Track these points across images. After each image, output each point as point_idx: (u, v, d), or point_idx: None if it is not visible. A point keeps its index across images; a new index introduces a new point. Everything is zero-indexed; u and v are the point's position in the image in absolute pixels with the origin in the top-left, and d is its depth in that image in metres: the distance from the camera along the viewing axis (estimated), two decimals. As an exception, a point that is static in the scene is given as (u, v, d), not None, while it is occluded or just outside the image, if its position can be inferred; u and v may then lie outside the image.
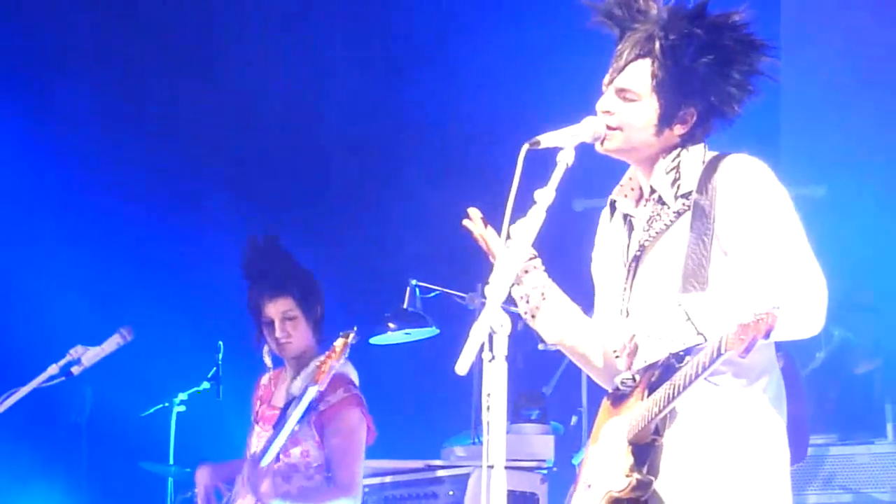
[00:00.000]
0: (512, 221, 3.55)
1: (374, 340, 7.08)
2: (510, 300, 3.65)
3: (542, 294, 3.78)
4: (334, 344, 5.40)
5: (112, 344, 5.60)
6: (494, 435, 3.28)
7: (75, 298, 8.19)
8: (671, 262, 3.62)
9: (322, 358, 5.39)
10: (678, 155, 3.69)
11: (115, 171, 8.70)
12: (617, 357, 3.70)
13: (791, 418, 3.67)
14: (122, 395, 7.92)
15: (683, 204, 3.64)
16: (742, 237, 3.55)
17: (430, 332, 7.05)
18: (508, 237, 3.57)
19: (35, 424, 7.71)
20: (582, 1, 3.78)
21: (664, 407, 3.46)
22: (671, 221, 3.65)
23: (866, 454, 6.81)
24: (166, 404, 7.64)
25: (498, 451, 3.27)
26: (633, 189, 3.80)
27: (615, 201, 3.82)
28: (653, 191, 3.71)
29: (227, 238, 7.07)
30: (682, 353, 3.49)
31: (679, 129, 3.68)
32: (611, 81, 3.70)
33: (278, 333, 5.61)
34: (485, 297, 3.46)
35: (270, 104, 8.79)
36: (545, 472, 6.48)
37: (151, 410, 7.70)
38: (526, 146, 3.59)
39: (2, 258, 8.41)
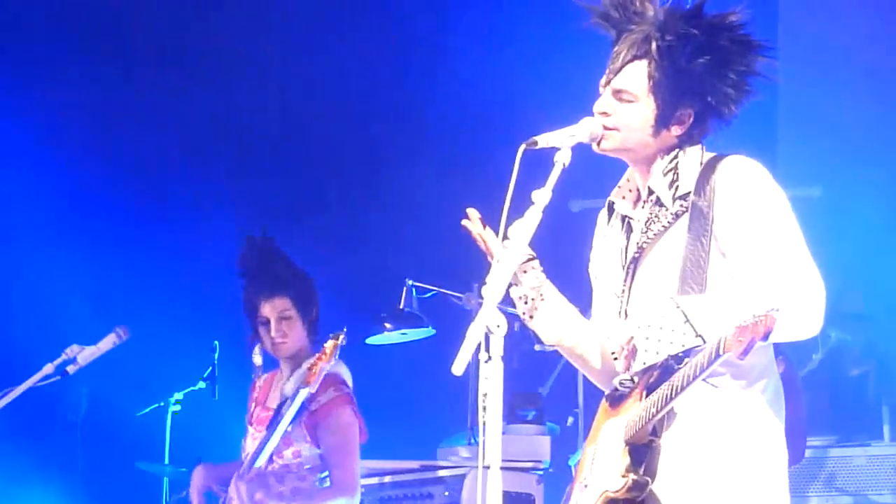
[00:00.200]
0: (509, 222, 3.54)
1: (370, 340, 7.08)
2: (507, 300, 3.65)
3: (541, 295, 3.77)
4: (324, 345, 5.42)
5: (108, 343, 5.60)
6: (490, 435, 3.28)
7: (71, 297, 8.19)
8: (669, 263, 3.62)
9: (312, 360, 5.40)
10: (675, 156, 3.69)
11: (110, 171, 8.68)
12: (615, 359, 3.70)
13: (788, 420, 3.67)
14: (117, 395, 7.92)
15: (681, 205, 3.64)
16: (740, 238, 3.55)
17: (426, 332, 7.05)
18: (505, 237, 3.56)
19: (31, 423, 7.72)
20: (578, 2, 3.78)
21: (662, 408, 3.46)
22: (669, 223, 3.65)
23: (863, 456, 6.81)
24: (162, 404, 7.63)
25: (494, 452, 3.27)
26: (630, 191, 3.79)
27: (613, 203, 3.82)
28: (651, 192, 3.70)
29: (223, 238, 7.06)
30: (680, 354, 3.48)
31: (676, 130, 3.68)
32: (607, 83, 3.70)
33: (274, 333, 5.61)
34: (481, 298, 3.47)
35: (267, 103, 8.78)
36: (541, 472, 6.49)
37: (147, 410, 7.70)
38: (523, 146, 3.59)
39: (-3, 257, 8.41)
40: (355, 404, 5.59)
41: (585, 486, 3.67)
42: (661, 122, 3.66)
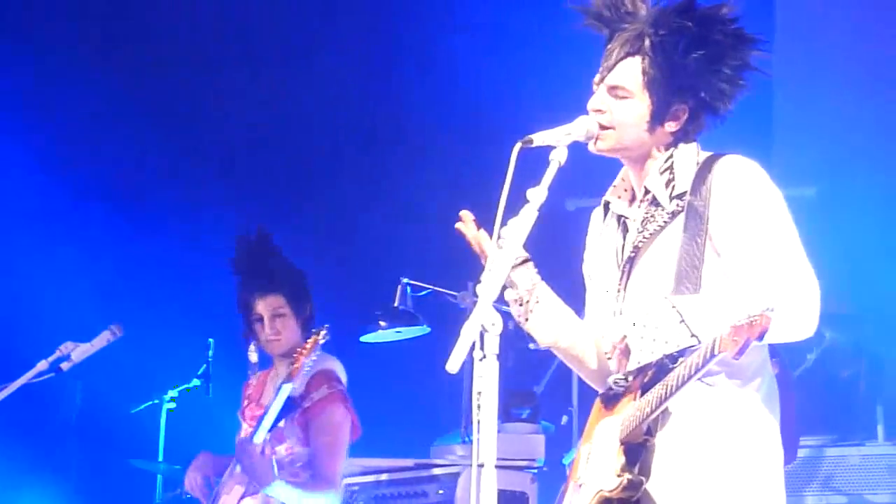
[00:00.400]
0: (504, 220, 3.54)
1: (364, 339, 7.08)
2: (502, 299, 3.64)
3: (536, 297, 3.77)
4: (305, 341, 5.43)
5: (102, 340, 5.60)
6: (485, 434, 3.27)
7: (65, 295, 8.18)
8: (665, 263, 3.62)
9: (294, 356, 5.41)
10: (671, 155, 3.69)
11: (104, 169, 8.68)
12: (609, 358, 3.70)
13: (782, 419, 3.67)
14: (111, 392, 7.91)
15: (678, 205, 3.64)
16: (736, 238, 3.55)
17: (421, 330, 7.05)
18: (500, 236, 3.56)
19: (24, 421, 7.70)
20: (570, 6, 3.78)
21: (656, 407, 3.46)
22: (665, 222, 3.65)
23: (857, 456, 6.81)
24: (156, 401, 7.63)
25: (488, 450, 3.26)
26: (626, 190, 3.79)
27: (609, 202, 3.81)
28: (647, 192, 3.70)
29: (217, 235, 7.06)
30: (675, 354, 3.48)
31: (671, 126, 3.68)
32: (601, 80, 3.70)
33: (267, 330, 5.62)
34: (476, 296, 3.46)
35: (263, 102, 8.77)
36: (535, 471, 6.48)
37: (141, 407, 7.69)
38: (518, 145, 3.59)
39: (-8, 255, 8.40)
40: (349, 401, 5.59)
41: (580, 485, 3.67)
42: (656, 117, 3.66)
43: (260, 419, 5.42)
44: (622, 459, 3.53)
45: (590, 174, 3.91)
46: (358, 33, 8.80)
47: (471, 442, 4.74)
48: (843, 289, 6.58)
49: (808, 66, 7.82)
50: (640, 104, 3.66)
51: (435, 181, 8.27)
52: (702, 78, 3.63)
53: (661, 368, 3.50)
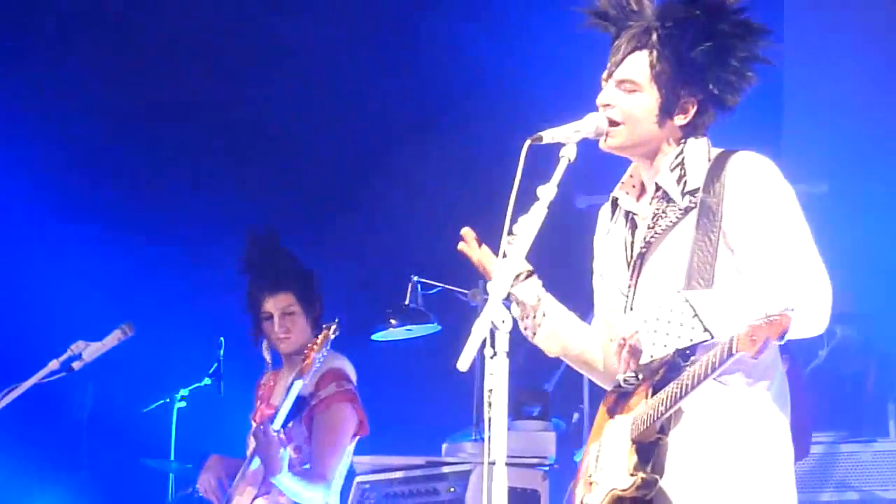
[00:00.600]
0: (514, 218, 3.53)
1: (375, 337, 7.07)
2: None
3: (542, 311, 3.78)
4: (316, 336, 5.42)
5: (113, 339, 5.59)
6: (496, 431, 3.27)
7: (76, 294, 8.18)
8: (677, 259, 3.61)
9: (305, 352, 5.41)
10: (681, 150, 3.68)
11: (116, 166, 8.69)
12: (616, 354, 3.68)
13: (792, 416, 3.66)
14: (123, 391, 7.91)
15: (690, 201, 3.63)
16: (750, 235, 3.55)
17: (431, 328, 7.04)
18: (510, 233, 3.55)
19: (36, 420, 7.71)
20: (576, 9, 3.78)
21: (670, 406, 3.45)
22: (678, 219, 3.64)
23: (868, 452, 6.80)
24: (167, 400, 7.63)
25: (499, 448, 3.26)
26: (634, 186, 3.79)
27: (617, 198, 3.80)
28: (657, 188, 3.69)
29: (228, 234, 7.06)
30: (687, 352, 3.48)
31: (680, 119, 3.67)
32: (609, 75, 3.70)
33: (277, 328, 5.63)
34: (487, 294, 3.46)
35: (271, 98, 8.77)
36: (546, 468, 6.47)
37: (152, 406, 7.70)
38: (528, 142, 3.58)
39: (2, 253, 8.40)
40: (357, 400, 5.59)
41: (591, 483, 3.66)
42: (665, 110, 3.65)
43: (274, 414, 5.43)
44: (635, 458, 3.52)
45: (599, 171, 3.90)
46: (370, 33, 8.79)
47: (482, 440, 4.74)
48: (855, 285, 6.56)
49: (819, 60, 7.80)
50: (649, 97, 3.66)
51: (445, 179, 8.26)
52: (710, 70, 3.63)
53: (672, 367, 3.50)
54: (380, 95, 8.70)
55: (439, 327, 7.02)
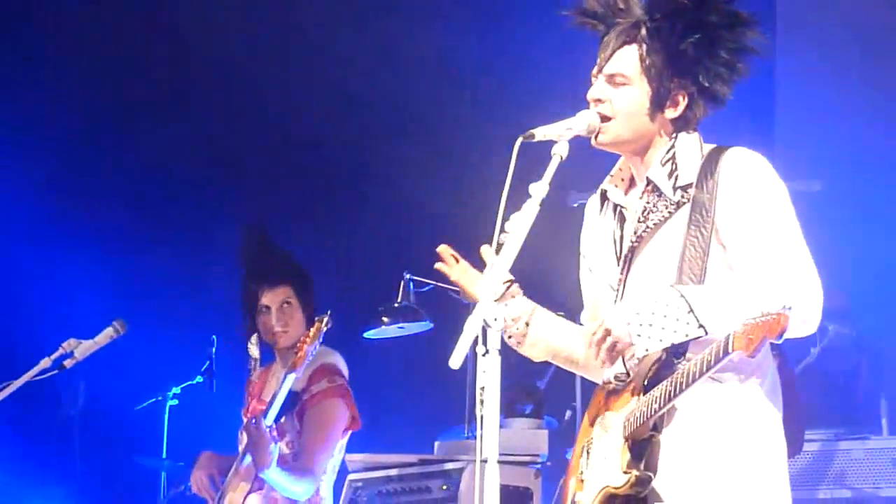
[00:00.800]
0: (506, 215, 3.53)
1: (367, 334, 7.06)
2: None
3: (526, 322, 3.79)
4: (308, 329, 5.42)
5: (105, 337, 5.58)
6: (488, 429, 3.26)
7: (68, 292, 8.18)
8: (668, 254, 3.61)
9: (297, 345, 5.40)
10: (672, 145, 3.68)
11: (107, 164, 8.67)
12: (591, 346, 3.64)
13: (785, 413, 3.66)
14: (115, 389, 7.91)
15: (682, 196, 3.62)
16: (743, 232, 3.54)
17: (423, 326, 7.03)
18: (503, 231, 3.55)
19: (28, 418, 7.71)
20: (563, 12, 3.78)
21: (664, 404, 3.45)
22: (669, 213, 3.63)
23: (861, 450, 6.80)
24: (159, 398, 7.63)
25: (491, 446, 3.25)
26: (623, 179, 3.78)
27: (606, 191, 3.80)
28: (648, 182, 3.69)
29: (221, 232, 7.05)
30: (680, 349, 3.47)
31: (671, 113, 3.67)
32: (599, 70, 3.70)
33: (274, 321, 5.62)
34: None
35: (265, 96, 8.76)
36: (539, 466, 6.47)
37: (145, 404, 7.69)
38: (520, 139, 3.58)
39: (-5, 252, 8.40)
40: (349, 395, 5.59)
41: (582, 481, 3.66)
42: (656, 103, 3.65)
43: (267, 409, 5.43)
44: (628, 456, 3.52)
45: (592, 169, 3.90)
46: (362, 32, 8.79)
47: (474, 437, 4.73)
48: (847, 283, 6.56)
49: (812, 56, 7.80)
50: (639, 91, 3.65)
51: (437, 176, 8.25)
52: (699, 63, 3.63)
53: (664, 364, 3.50)
54: (371, 94, 8.69)
55: (432, 325, 7.02)
